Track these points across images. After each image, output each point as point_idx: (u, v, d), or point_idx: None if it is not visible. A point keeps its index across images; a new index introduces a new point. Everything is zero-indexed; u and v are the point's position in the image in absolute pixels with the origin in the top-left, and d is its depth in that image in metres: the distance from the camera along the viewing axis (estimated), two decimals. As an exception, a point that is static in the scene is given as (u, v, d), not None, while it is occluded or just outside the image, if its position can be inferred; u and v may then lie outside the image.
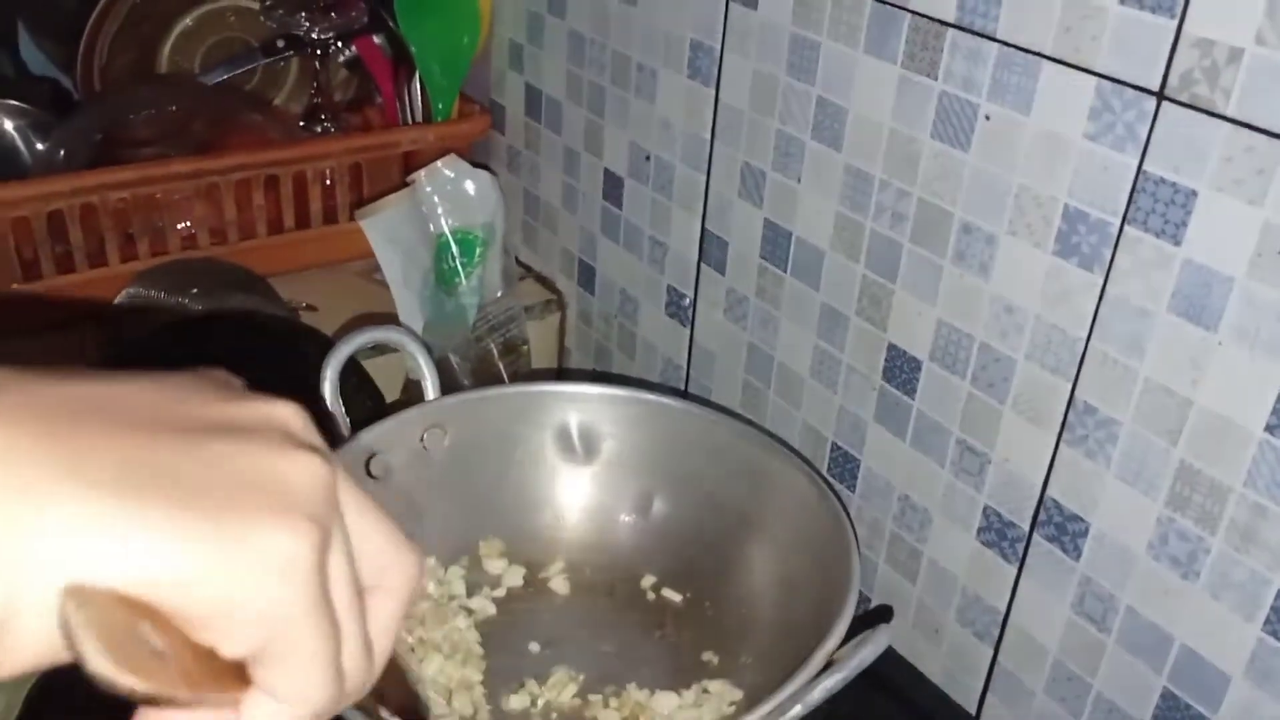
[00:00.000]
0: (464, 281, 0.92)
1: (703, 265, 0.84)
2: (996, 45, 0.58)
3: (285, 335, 0.83)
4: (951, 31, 0.60)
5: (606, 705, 0.65)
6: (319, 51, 1.03)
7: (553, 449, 0.75)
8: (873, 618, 0.72)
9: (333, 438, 0.68)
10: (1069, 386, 0.59)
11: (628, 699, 0.65)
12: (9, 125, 1.01)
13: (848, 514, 0.64)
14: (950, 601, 0.69)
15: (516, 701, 0.65)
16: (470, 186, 0.92)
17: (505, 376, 0.95)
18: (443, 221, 0.91)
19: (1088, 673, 0.62)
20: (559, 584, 0.73)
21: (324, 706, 0.26)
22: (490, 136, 1.06)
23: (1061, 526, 0.61)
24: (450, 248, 0.91)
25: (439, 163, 0.91)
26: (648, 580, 0.73)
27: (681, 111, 0.82)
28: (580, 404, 0.75)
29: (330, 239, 1.01)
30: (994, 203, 0.60)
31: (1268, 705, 0.53)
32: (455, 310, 0.92)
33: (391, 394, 0.89)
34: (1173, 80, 0.51)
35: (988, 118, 0.60)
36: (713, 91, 0.78)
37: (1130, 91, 0.53)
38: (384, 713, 0.48)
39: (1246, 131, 0.49)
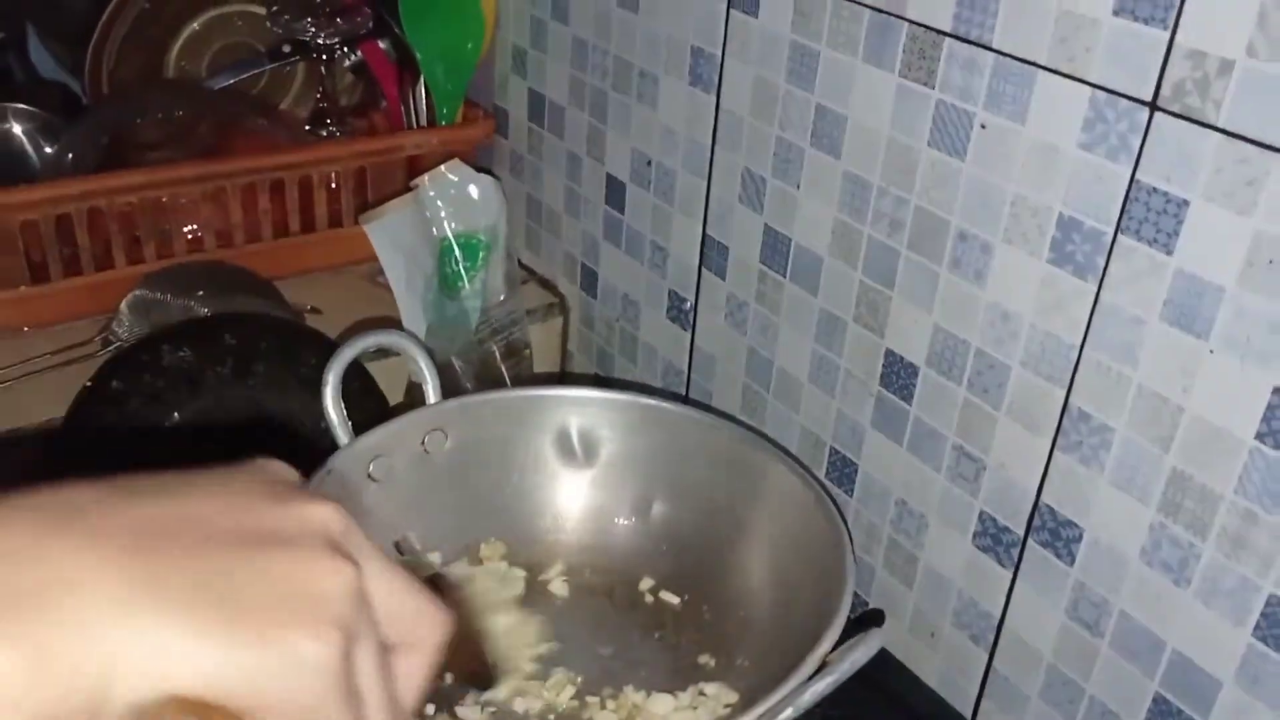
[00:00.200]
0: (467, 285, 0.92)
1: (704, 270, 0.84)
2: (993, 55, 0.59)
3: (290, 338, 0.83)
4: (948, 41, 0.61)
5: (604, 707, 0.65)
6: (325, 56, 1.04)
7: (553, 452, 0.76)
8: (867, 621, 0.73)
9: (333, 440, 0.68)
10: (1063, 393, 0.59)
11: (625, 701, 0.65)
12: (18, 129, 1.02)
13: (844, 518, 0.65)
14: (946, 606, 0.70)
15: (516, 703, 0.66)
16: (473, 191, 0.92)
17: (508, 380, 0.96)
18: (446, 225, 0.92)
19: (1081, 677, 0.62)
20: (558, 586, 0.74)
21: None
22: (494, 141, 1.07)
23: (1056, 532, 0.62)
24: (453, 251, 0.92)
25: (443, 167, 0.91)
26: (646, 583, 0.74)
27: (683, 117, 0.82)
28: (580, 408, 0.75)
29: (335, 243, 1.02)
30: (990, 211, 0.61)
31: (1258, 710, 0.53)
32: (458, 314, 0.93)
33: (395, 397, 0.90)
34: (1165, 91, 0.51)
35: (984, 127, 0.60)
36: (713, 98, 0.79)
37: (1124, 102, 0.53)
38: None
39: (1238, 142, 0.49)
